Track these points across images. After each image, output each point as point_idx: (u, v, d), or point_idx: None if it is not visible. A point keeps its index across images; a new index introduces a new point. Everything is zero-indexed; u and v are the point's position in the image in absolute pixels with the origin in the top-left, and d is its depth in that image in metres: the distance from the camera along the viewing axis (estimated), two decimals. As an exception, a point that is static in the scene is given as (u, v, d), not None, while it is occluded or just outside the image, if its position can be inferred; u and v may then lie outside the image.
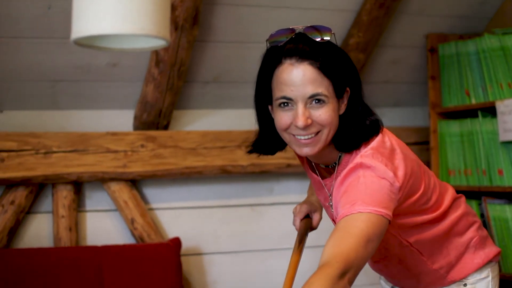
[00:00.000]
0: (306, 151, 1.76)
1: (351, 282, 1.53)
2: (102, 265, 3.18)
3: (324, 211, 2.09)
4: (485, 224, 3.24)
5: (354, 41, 3.36)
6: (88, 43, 1.45)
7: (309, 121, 1.71)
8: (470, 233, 2.00)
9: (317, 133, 1.74)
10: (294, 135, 1.76)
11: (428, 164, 3.61)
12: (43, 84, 3.20)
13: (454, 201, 1.98)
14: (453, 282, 1.99)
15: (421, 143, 3.75)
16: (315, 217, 2.15)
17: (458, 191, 2.74)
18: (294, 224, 2.14)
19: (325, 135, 1.74)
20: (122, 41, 1.49)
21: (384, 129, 1.83)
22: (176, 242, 3.32)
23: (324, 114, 1.71)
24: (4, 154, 3.12)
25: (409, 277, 2.01)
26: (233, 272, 3.56)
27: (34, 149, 3.17)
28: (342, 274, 1.49)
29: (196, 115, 3.54)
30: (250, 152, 1.92)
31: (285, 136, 1.79)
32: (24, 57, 3.07)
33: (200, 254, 3.52)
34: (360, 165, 1.70)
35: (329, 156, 1.83)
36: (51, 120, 3.32)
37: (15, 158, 3.14)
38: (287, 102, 1.72)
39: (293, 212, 2.17)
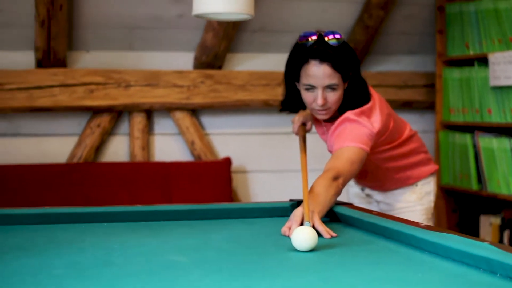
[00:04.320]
0: (321, 117, 2.54)
1: (343, 184, 2.29)
2: (169, 177, 3.80)
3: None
4: (476, 154, 3.85)
5: (376, 0, 3.91)
6: (203, 16, 2.20)
7: (325, 101, 2.45)
8: (421, 156, 2.83)
9: (329, 108, 2.48)
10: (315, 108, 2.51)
11: (433, 103, 4.18)
12: (122, 30, 3.79)
13: (411, 136, 2.78)
14: (408, 185, 2.82)
15: (429, 86, 4.24)
16: (308, 123, 2.86)
17: (456, 126, 3.57)
18: (293, 130, 2.85)
19: (334, 109, 2.50)
20: (226, 15, 2.24)
21: (371, 89, 2.55)
22: (227, 161, 3.92)
23: (335, 96, 2.45)
24: (93, 87, 3.79)
25: (377, 181, 2.84)
26: (271, 186, 4.12)
27: (117, 82, 3.80)
28: (335, 178, 2.25)
29: (245, 58, 4.07)
30: (281, 110, 2.67)
31: (309, 107, 2.54)
32: (107, 7, 3.64)
33: (245, 172, 4.09)
34: (348, 119, 2.46)
35: (334, 115, 2.59)
36: (128, 59, 3.89)
37: (101, 90, 3.79)
38: (311, 87, 2.45)
39: (292, 121, 2.87)
